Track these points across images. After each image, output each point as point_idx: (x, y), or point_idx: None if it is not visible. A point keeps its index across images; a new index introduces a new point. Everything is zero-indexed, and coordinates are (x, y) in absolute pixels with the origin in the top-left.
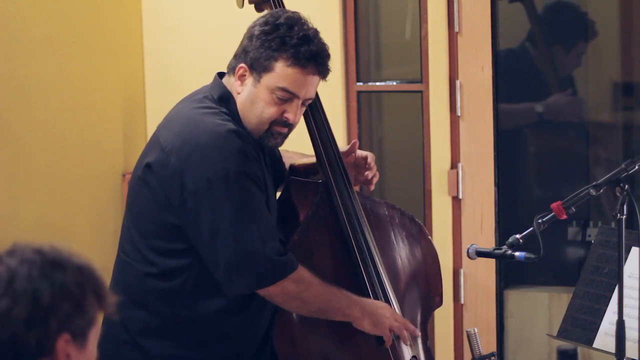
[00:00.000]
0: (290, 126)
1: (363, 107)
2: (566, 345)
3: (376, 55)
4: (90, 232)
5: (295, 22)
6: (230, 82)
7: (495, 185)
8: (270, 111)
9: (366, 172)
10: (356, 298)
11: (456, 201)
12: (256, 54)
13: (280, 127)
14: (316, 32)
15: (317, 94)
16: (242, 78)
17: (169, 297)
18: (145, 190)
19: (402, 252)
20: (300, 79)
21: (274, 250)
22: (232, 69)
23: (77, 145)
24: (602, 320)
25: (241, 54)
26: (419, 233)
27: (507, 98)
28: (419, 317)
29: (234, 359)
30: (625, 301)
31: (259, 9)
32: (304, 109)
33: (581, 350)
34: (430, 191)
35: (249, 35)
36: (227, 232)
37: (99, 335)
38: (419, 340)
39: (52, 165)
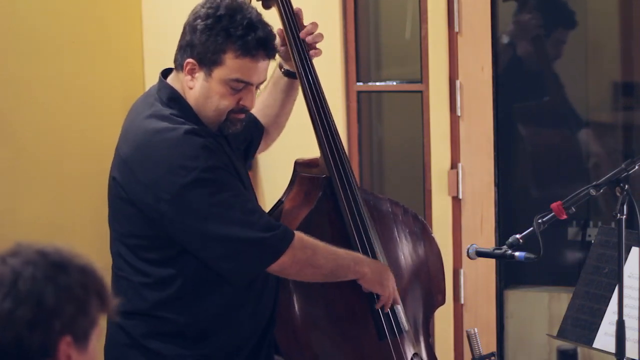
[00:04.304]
0: (247, 111)
1: (363, 107)
2: (566, 345)
3: (376, 55)
4: (91, 232)
5: (236, 9)
6: (179, 78)
7: (495, 185)
8: (226, 103)
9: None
10: (360, 256)
11: (456, 201)
12: (202, 48)
13: (237, 114)
14: (258, 15)
15: (322, 92)
16: (191, 72)
17: (168, 305)
18: (122, 207)
19: (405, 249)
20: (251, 67)
21: (268, 225)
22: (179, 64)
23: (77, 145)
24: (602, 320)
25: (186, 48)
26: (422, 230)
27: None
28: (421, 315)
29: (237, 351)
30: (625, 301)
31: (266, 5)
32: (258, 90)
33: (581, 350)
34: (430, 191)
35: (191, 29)
36: (217, 228)
37: (100, 337)
38: (421, 338)
39: (52, 165)
